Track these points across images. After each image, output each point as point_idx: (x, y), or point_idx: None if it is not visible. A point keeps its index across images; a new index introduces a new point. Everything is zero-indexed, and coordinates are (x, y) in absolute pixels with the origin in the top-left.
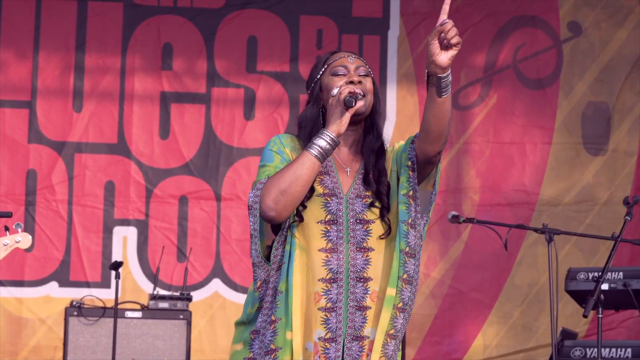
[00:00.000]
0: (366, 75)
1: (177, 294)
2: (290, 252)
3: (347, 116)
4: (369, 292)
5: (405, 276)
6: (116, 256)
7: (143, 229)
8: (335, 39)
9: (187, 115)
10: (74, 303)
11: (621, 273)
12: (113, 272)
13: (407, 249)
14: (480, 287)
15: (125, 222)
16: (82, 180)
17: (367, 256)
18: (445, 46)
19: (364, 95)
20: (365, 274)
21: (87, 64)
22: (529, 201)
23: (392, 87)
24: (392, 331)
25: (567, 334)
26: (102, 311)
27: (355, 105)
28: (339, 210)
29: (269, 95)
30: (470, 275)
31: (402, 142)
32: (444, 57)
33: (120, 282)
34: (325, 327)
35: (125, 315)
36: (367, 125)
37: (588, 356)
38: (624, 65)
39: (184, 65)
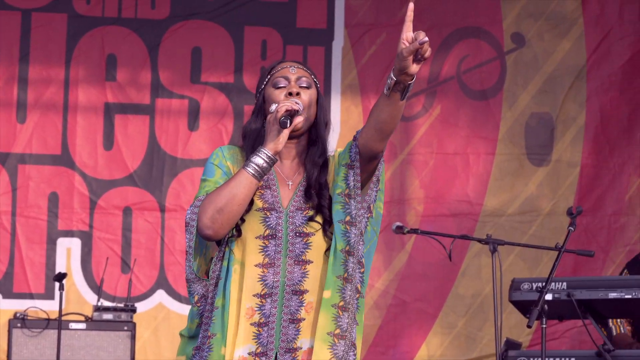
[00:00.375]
0: (307, 87)
1: (121, 305)
2: (227, 267)
3: (285, 134)
4: (303, 304)
5: (345, 275)
6: (60, 267)
7: (87, 240)
8: (279, 50)
9: (131, 126)
10: (18, 315)
11: (565, 283)
12: (57, 284)
13: (347, 247)
14: (424, 297)
15: (69, 234)
16: (26, 191)
17: (304, 269)
18: (418, 59)
19: (301, 110)
20: (301, 287)
21: (30, 75)
22: (472, 212)
23: (336, 98)
24: (337, 331)
25: (511, 344)
26: (46, 323)
27: (290, 125)
28: (278, 224)
29: (213, 106)
30: (414, 285)
31: (342, 149)
32: (415, 68)
33: (64, 293)
34: (256, 342)
35: (69, 327)
36: (311, 137)
37: None
38: (567, 76)
39: (128, 76)
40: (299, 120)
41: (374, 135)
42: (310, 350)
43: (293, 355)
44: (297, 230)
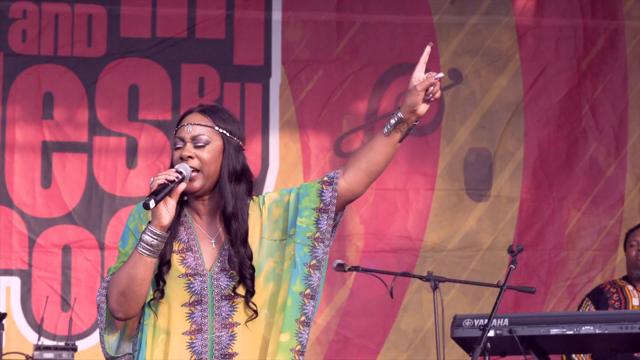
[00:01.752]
0: (205, 144)
1: (62, 344)
2: (142, 332)
3: (164, 209)
4: None
5: (303, 319)
6: (0, 307)
7: (26, 278)
8: (217, 87)
9: (69, 164)
10: None
11: (506, 320)
12: None
13: (308, 290)
14: (366, 332)
15: (8, 272)
16: None
17: (232, 332)
18: (427, 100)
19: (185, 175)
20: (230, 350)
21: None
22: (413, 247)
23: (274, 135)
24: None
25: None
26: None
27: (156, 204)
28: (202, 289)
29: (152, 143)
30: (356, 321)
31: (295, 190)
32: (423, 108)
33: (4, 333)
34: None
35: None
36: (220, 191)
37: None
38: (505, 112)
39: (65, 115)
40: (181, 187)
41: (363, 178)
42: None
43: None
44: (222, 294)
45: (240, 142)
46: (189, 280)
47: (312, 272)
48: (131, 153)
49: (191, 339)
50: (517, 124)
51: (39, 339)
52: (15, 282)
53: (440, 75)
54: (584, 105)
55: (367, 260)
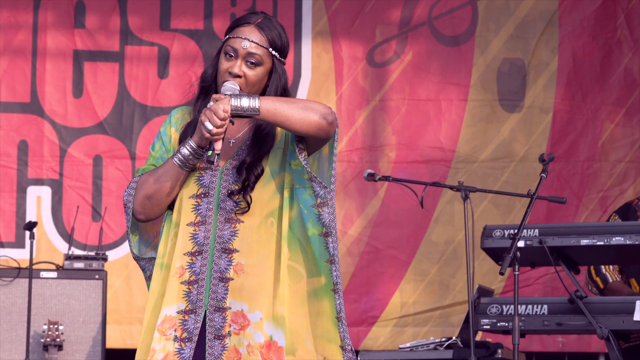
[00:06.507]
0: (256, 64)
1: (92, 253)
2: (163, 228)
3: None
4: (232, 264)
5: (329, 258)
6: (30, 216)
7: (57, 188)
8: None
9: (100, 73)
10: None
11: (537, 230)
12: (27, 232)
13: (324, 229)
14: (397, 244)
15: (39, 182)
16: None
17: (234, 227)
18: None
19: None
20: (230, 246)
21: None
22: (445, 158)
23: (307, 45)
24: (340, 314)
25: (483, 291)
26: (17, 271)
27: (216, 163)
28: (212, 182)
29: (183, 53)
30: (387, 232)
31: None
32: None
33: (34, 242)
34: (186, 300)
35: (40, 276)
36: None
37: (504, 313)
38: (539, 22)
39: (97, 23)
40: (219, 146)
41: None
42: (239, 312)
43: (223, 315)
44: (229, 188)
45: (285, 60)
46: (200, 173)
47: (320, 210)
48: (163, 62)
49: (195, 229)
50: (551, 34)
51: (69, 249)
52: (46, 192)
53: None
54: (619, 15)
55: (399, 171)
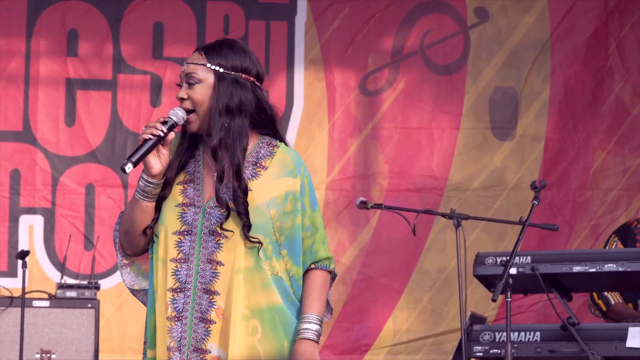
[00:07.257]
0: (196, 83)
1: (85, 282)
2: (151, 264)
3: (153, 159)
4: (214, 306)
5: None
6: (23, 245)
7: (49, 217)
8: (242, 25)
9: (92, 102)
10: None
11: (529, 257)
12: (20, 261)
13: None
14: (390, 272)
15: (31, 211)
16: None
17: (215, 269)
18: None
19: (170, 124)
20: (211, 287)
21: None
22: (437, 186)
23: (299, 73)
24: None
25: (476, 319)
26: (9, 301)
27: (127, 170)
28: (194, 220)
29: (176, 81)
30: (380, 260)
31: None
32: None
33: (27, 271)
34: (170, 337)
35: (33, 305)
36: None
37: (497, 340)
38: (531, 51)
39: (90, 52)
40: (171, 136)
41: None
42: (217, 358)
43: (201, 356)
44: (210, 228)
45: (244, 75)
46: (183, 210)
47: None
48: (155, 91)
49: (177, 266)
50: (543, 63)
51: (61, 278)
52: (38, 221)
53: None
54: (610, 44)
55: (391, 200)
